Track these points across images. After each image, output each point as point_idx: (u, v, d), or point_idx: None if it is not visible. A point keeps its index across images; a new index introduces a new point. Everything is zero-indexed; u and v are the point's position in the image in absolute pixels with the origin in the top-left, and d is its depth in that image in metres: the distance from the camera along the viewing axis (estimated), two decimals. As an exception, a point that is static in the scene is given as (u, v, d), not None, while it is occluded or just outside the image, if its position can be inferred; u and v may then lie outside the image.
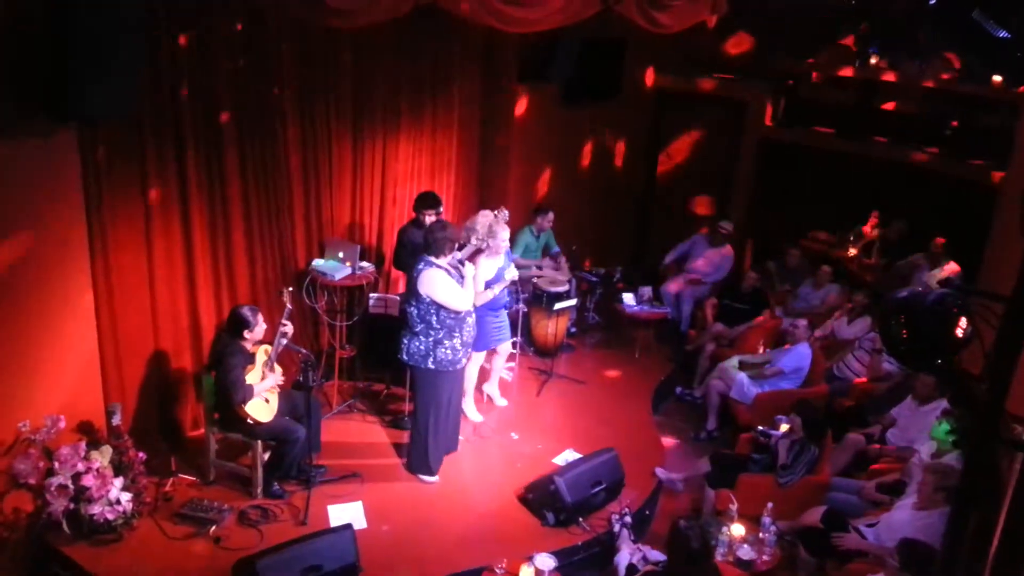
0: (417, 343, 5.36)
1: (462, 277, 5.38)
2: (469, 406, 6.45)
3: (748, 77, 9.46)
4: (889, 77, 8.68)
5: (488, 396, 6.72)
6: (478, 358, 6.27)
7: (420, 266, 5.30)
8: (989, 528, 2.92)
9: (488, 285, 5.85)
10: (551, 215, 7.74)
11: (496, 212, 6.02)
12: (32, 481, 4.51)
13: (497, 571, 4.57)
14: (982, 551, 2.93)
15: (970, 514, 2.83)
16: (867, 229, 8.77)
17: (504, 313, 6.28)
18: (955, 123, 8.31)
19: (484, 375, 6.65)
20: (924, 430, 5.59)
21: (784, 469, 5.42)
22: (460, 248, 5.66)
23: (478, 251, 5.90)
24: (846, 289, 7.92)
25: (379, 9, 4.86)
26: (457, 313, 5.31)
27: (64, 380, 4.86)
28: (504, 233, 5.89)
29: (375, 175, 6.87)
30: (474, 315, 5.52)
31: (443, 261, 5.31)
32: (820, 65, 9.18)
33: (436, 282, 5.24)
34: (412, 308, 5.36)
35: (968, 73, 8.06)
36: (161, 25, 4.89)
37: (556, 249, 7.98)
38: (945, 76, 8.20)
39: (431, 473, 5.67)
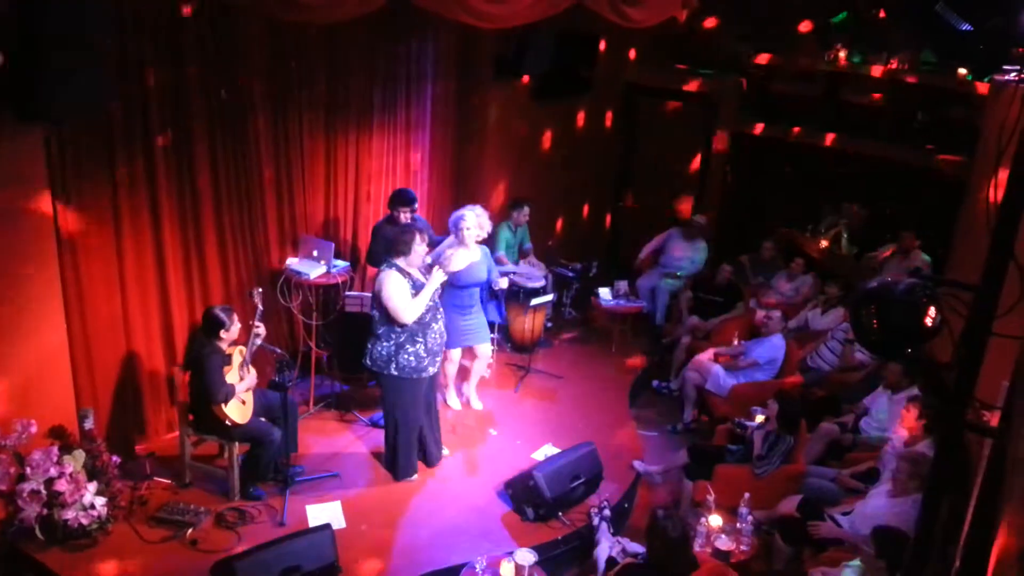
0: (380, 348, 5.29)
1: (424, 283, 5.28)
2: (451, 396, 6.44)
3: (719, 71, 9.52)
4: (857, 70, 8.78)
5: (467, 398, 6.70)
6: (454, 356, 6.26)
7: (383, 267, 5.28)
8: (960, 513, 2.98)
9: (459, 278, 5.84)
10: (527, 209, 7.73)
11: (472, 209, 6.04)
12: (3, 487, 4.44)
13: (477, 568, 4.56)
14: (954, 535, 2.99)
15: (942, 500, 2.88)
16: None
17: (478, 314, 6.22)
18: (918, 116, 8.44)
19: (464, 375, 6.64)
20: (896, 418, 5.67)
21: (760, 459, 5.48)
22: (431, 246, 5.64)
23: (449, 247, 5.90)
24: (819, 281, 8.01)
25: (349, 4, 4.83)
26: (421, 318, 5.27)
27: (35, 384, 4.78)
28: (466, 230, 5.84)
29: (349, 172, 6.83)
30: (441, 322, 5.44)
31: (402, 261, 5.23)
32: (789, 59, 9.26)
33: (387, 283, 5.16)
34: (375, 311, 5.32)
35: (934, 66, 8.19)
36: (129, 21, 4.81)
37: (528, 245, 7.99)
38: (911, 69, 8.31)
39: (408, 475, 5.65)
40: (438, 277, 5.31)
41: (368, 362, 5.37)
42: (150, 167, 5.27)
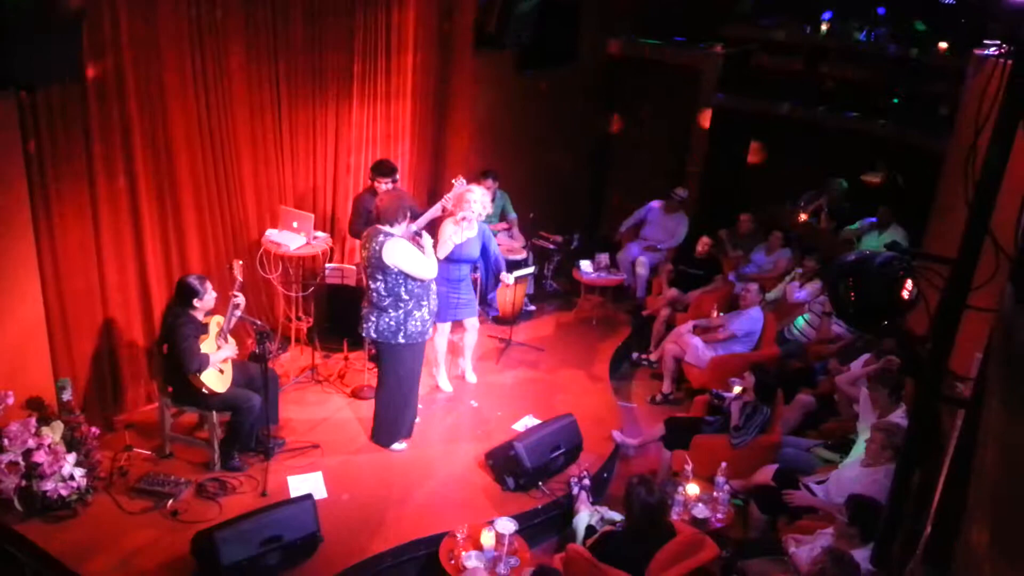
0: (387, 319, 5.28)
1: (421, 247, 5.33)
2: (442, 378, 6.45)
3: (701, 44, 9.48)
4: (837, 43, 8.78)
5: (462, 371, 6.70)
6: (444, 329, 6.25)
7: (380, 238, 5.19)
8: (931, 483, 3.04)
9: (453, 253, 5.83)
10: (489, 180, 7.50)
11: (454, 180, 6.00)
12: (-20, 459, 4.41)
13: (458, 536, 4.61)
14: (925, 505, 3.05)
15: (914, 470, 2.94)
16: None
17: (467, 288, 6.18)
18: (898, 92, 8.46)
19: (455, 350, 6.64)
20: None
21: (737, 430, 5.55)
22: (415, 218, 5.60)
23: (442, 217, 5.86)
24: (797, 254, 8.08)
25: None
26: (423, 281, 5.28)
27: (11, 355, 4.73)
28: (474, 204, 5.78)
29: (328, 143, 6.76)
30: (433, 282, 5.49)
31: (398, 230, 5.23)
32: (771, 32, 9.24)
33: (400, 251, 5.15)
34: (378, 283, 5.24)
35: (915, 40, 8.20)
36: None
37: (513, 215, 7.96)
38: (893, 42, 8.33)
39: (393, 441, 5.67)
40: (428, 241, 5.36)
41: (373, 335, 5.34)
42: (126, 138, 5.18)
